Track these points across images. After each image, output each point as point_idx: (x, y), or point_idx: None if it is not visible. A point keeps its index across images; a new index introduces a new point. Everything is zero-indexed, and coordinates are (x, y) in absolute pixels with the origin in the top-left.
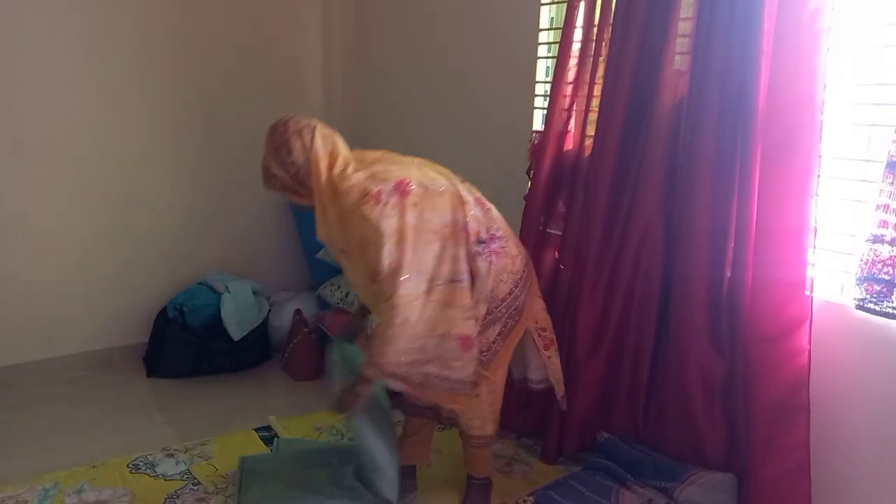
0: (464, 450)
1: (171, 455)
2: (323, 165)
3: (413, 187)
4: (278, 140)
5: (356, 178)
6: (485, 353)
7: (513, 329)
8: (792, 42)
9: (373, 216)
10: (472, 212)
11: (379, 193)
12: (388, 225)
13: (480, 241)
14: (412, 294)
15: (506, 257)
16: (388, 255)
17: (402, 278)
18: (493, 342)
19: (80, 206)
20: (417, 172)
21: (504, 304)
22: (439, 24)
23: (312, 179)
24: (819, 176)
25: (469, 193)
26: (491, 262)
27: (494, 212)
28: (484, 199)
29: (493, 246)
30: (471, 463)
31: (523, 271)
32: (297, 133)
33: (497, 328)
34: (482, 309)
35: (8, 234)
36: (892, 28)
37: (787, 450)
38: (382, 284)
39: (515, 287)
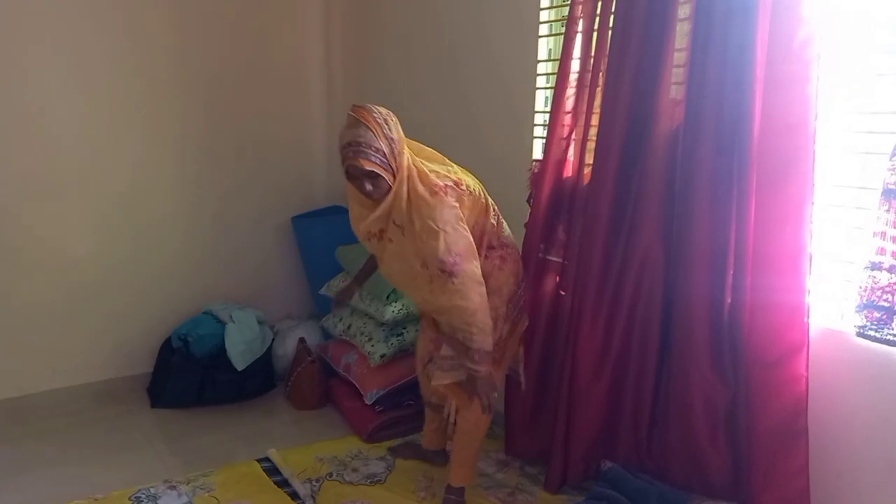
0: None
1: (174, 487)
2: (406, 147)
3: (464, 188)
4: (381, 117)
5: (427, 167)
6: (496, 350)
7: (516, 326)
8: (783, 71)
9: (437, 206)
10: (491, 220)
11: (445, 188)
12: (449, 215)
13: (491, 248)
14: (468, 271)
15: (513, 262)
16: (452, 243)
17: (465, 262)
18: (503, 339)
19: (83, 238)
20: (464, 177)
21: (511, 302)
22: (438, 57)
23: (400, 157)
24: (814, 203)
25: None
26: (496, 265)
27: (505, 224)
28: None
29: (502, 252)
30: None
31: (524, 276)
32: (389, 114)
33: (507, 326)
34: (495, 301)
35: (11, 265)
36: (884, 56)
37: (787, 476)
38: (445, 267)
39: (519, 288)
